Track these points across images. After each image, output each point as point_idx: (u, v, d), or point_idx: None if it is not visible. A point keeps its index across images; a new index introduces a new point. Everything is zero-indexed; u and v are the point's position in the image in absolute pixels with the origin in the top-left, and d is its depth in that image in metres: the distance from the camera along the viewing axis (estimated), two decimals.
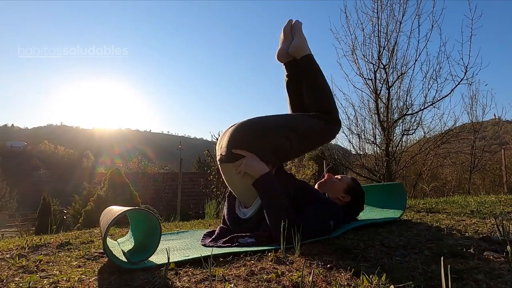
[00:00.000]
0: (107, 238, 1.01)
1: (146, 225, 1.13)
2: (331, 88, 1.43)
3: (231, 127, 1.35)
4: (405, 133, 4.66)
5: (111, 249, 0.95)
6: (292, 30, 1.52)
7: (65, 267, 0.98)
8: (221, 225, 1.41)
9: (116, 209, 1.06)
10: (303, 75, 1.46)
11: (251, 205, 1.30)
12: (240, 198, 1.37)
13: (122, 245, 1.22)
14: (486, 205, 1.95)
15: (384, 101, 4.52)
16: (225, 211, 1.42)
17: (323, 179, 1.59)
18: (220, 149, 1.34)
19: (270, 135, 1.28)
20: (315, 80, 1.44)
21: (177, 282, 0.77)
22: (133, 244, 1.21)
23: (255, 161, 1.24)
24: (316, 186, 1.56)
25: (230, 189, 1.40)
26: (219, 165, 1.37)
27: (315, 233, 1.16)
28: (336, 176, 1.60)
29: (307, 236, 1.11)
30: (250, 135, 1.28)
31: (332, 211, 1.25)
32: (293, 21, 1.53)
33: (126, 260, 0.95)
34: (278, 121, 1.34)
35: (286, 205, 1.17)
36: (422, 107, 4.40)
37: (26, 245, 1.32)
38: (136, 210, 1.02)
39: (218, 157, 1.36)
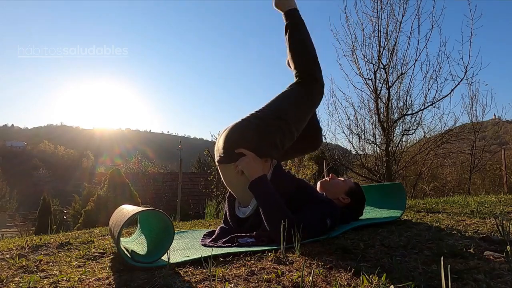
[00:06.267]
0: (114, 237, 1.00)
1: (157, 227, 1.12)
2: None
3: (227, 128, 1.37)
4: (405, 133, 4.65)
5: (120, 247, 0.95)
6: None
7: (65, 267, 0.97)
8: (222, 225, 1.41)
9: (130, 209, 1.06)
10: (287, 30, 1.43)
11: (249, 203, 1.31)
12: (239, 196, 1.38)
13: (125, 244, 1.21)
14: (486, 205, 1.95)
15: (384, 101, 4.52)
16: (226, 212, 1.43)
17: (326, 178, 1.60)
18: (218, 151, 1.35)
19: (264, 130, 1.31)
20: (294, 37, 1.42)
21: (177, 282, 0.77)
22: (140, 244, 1.20)
23: (254, 162, 1.26)
24: (318, 185, 1.56)
25: (229, 189, 1.41)
26: (218, 166, 1.38)
27: (313, 233, 1.16)
28: (339, 178, 1.61)
29: (305, 236, 1.11)
30: (245, 134, 1.30)
31: (329, 210, 1.25)
32: None
33: (131, 258, 0.95)
34: (267, 115, 1.35)
35: (282, 206, 1.18)
36: (422, 107, 4.40)
37: (26, 245, 1.32)
38: (154, 211, 1.02)
39: (217, 158, 1.37)
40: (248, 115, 1.37)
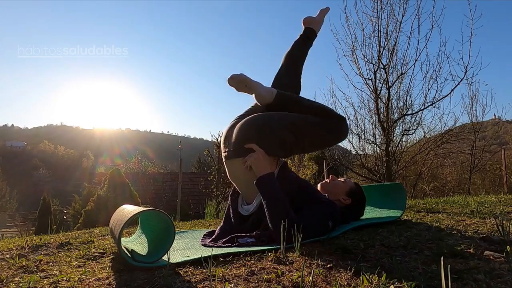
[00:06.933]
0: (115, 236, 1.00)
1: (158, 228, 1.12)
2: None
3: (234, 123, 1.37)
4: (405, 133, 4.66)
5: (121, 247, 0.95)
6: (242, 84, 1.43)
7: (65, 267, 0.98)
8: (222, 225, 1.41)
9: (131, 209, 1.06)
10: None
11: (253, 200, 1.31)
12: (243, 192, 1.39)
13: (125, 244, 1.21)
14: (486, 205, 1.95)
15: (384, 101, 4.52)
16: (228, 210, 1.43)
17: (326, 180, 1.60)
18: (226, 146, 1.35)
19: (276, 129, 1.31)
20: (298, 110, 1.39)
21: (177, 282, 0.77)
22: (141, 245, 1.21)
23: (263, 159, 1.26)
24: (319, 186, 1.57)
25: (234, 185, 1.42)
26: (224, 161, 1.38)
27: (314, 233, 1.16)
28: (339, 179, 1.61)
29: (306, 236, 1.11)
30: (257, 130, 1.31)
31: (331, 212, 1.25)
32: (233, 78, 1.42)
33: (131, 258, 0.95)
34: (283, 117, 1.35)
35: (286, 206, 1.18)
36: (422, 107, 4.40)
37: (26, 245, 1.32)
38: (155, 211, 1.01)
39: (224, 154, 1.37)
40: (261, 113, 1.38)
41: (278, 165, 1.36)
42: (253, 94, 1.41)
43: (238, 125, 1.34)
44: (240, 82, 1.43)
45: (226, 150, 1.36)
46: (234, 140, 1.32)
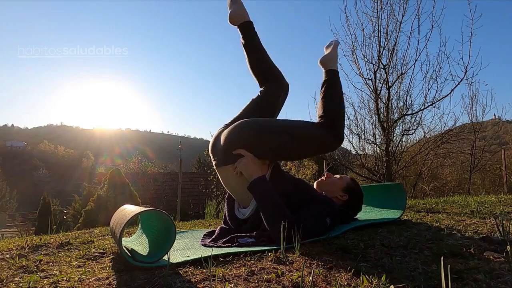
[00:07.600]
0: (116, 236, 1.00)
1: (159, 228, 1.12)
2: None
3: (221, 131, 1.37)
4: (405, 133, 4.65)
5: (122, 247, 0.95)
6: (334, 51, 1.64)
7: (65, 267, 0.98)
8: (222, 225, 1.41)
9: (133, 209, 1.06)
10: (325, 84, 1.53)
11: (248, 204, 1.31)
12: (238, 198, 1.38)
13: (126, 244, 1.21)
14: (486, 205, 1.95)
15: (384, 101, 4.52)
16: (225, 213, 1.43)
17: (322, 178, 1.60)
18: (215, 154, 1.35)
19: (268, 134, 1.30)
20: (333, 91, 1.52)
21: (177, 282, 0.77)
22: (141, 245, 1.20)
23: (252, 163, 1.26)
24: (315, 185, 1.56)
25: (228, 191, 1.41)
26: (215, 169, 1.38)
27: (313, 232, 1.16)
28: (335, 176, 1.60)
29: (305, 235, 1.11)
30: (248, 134, 1.30)
31: (328, 210, 1.25)
32: (336, 42, 1.66)
33: (131, 258, 0.95)
34: (275, 122, 1.36)
35: (282, 206, 1.18)
36: (422, 107, 4.40)
37: (26, 245, 1.32)
38: (156, 211, 1.01)
39: (214, 162, 1.36)
40: (252, 118, 1.37)
41: (270, 167, 1.35)
42: (330, 53, 1.61)
43: (224, 132, 1.33)
44: (334, 48, 1.63)
45: (215, 158, 1.36)
46: (221, 148, 1.32)
